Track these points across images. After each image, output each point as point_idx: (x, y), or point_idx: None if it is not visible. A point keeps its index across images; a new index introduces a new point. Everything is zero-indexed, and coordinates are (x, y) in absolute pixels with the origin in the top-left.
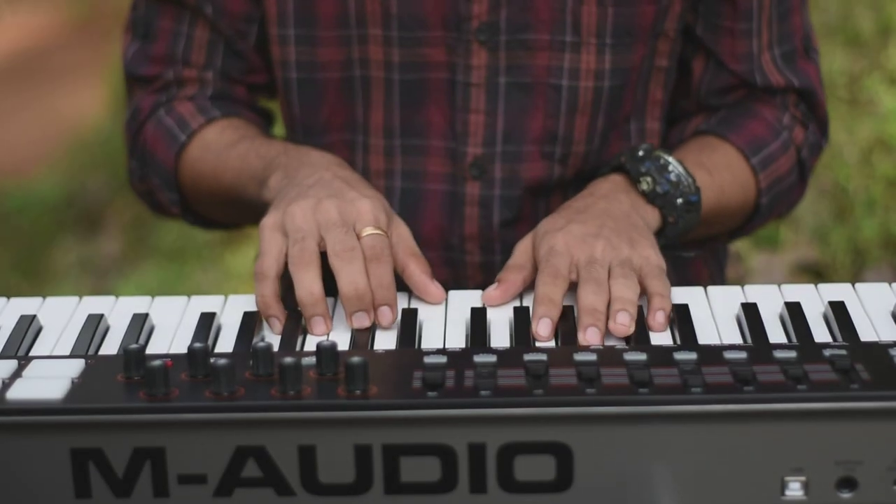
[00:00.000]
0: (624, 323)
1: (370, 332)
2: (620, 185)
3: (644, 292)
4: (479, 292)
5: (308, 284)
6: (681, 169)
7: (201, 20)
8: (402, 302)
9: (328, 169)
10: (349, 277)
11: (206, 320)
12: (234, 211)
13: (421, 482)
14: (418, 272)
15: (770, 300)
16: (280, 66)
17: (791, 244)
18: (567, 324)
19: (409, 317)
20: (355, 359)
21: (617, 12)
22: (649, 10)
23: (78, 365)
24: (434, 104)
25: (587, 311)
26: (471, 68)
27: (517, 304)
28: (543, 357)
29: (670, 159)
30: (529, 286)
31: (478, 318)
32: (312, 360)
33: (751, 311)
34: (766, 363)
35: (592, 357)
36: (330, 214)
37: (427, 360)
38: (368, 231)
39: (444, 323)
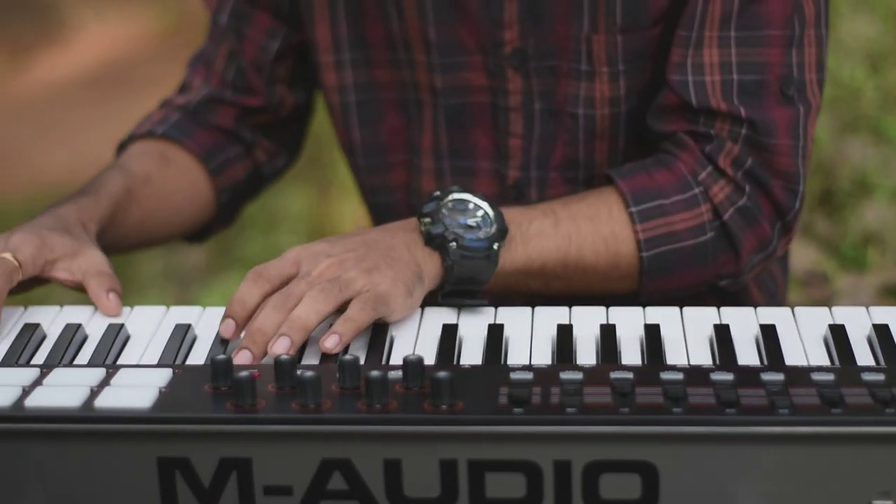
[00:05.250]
0: (277, 351)
1: (456, 346)
2: (409, 224)
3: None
4: (565, 309)
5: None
6: (489, 212)
7: (230, 36)
8: (489, 318)
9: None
10: None
11: None
12: None
13: (506, 498)
14: (95, 286)
15: (857, 322)
16: (336, 92)
17: (878, 266)
18: (653, 342)
19: (496, 332)
20: (441, 373)
21: (626, 39)
22: (656, 31)
23: (165, 374)
24: (479, 126)
25: (249, 331)
26: (508, 93)
27: (604, 321)
28: (630, 375)
29: (481, 203)
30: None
31: (564, 334)
32: (399, 374)
33: (838, 333)
34: (854, 385)
35: (679, 376)
36: None
37: (513, 376)
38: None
39: (530, 339)
